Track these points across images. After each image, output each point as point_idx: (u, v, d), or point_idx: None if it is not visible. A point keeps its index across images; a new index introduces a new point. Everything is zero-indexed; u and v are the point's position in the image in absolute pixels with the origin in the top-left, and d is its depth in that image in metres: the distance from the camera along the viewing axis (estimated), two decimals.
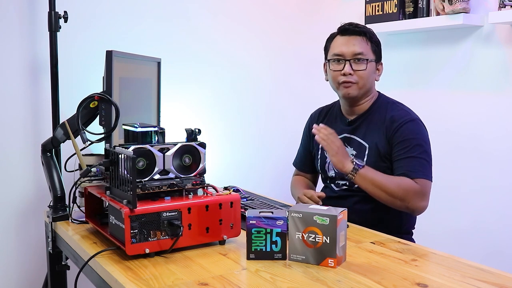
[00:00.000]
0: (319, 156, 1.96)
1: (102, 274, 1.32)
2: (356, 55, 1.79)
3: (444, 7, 2.22)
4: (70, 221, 1.70)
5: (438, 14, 2.29)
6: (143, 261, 1.32)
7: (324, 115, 2.00)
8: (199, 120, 2.55)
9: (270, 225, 1.32)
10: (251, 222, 1.32)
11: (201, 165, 1.46)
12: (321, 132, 1.74)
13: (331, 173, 1.90)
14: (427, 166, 1.74)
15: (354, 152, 1.82)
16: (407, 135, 1.74)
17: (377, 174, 1.70)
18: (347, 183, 1.84)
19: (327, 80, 1.90)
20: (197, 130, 1.47)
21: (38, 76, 2.18)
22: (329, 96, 2.03)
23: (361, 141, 1.82)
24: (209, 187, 1.47)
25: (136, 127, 1.44)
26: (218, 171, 2.54)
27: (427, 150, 1.76)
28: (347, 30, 1.83)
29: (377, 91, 1.90)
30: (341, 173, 1.85)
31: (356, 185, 1.82)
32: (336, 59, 1.82)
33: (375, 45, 1.84)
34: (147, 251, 1.33)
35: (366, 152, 1.80)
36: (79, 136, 1.61)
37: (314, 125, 1.78)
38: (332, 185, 1.90)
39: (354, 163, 1.69)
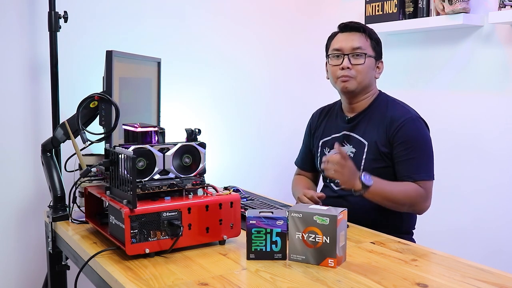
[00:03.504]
0: (318, 155, 1.96)
1: (102, 274, 1.32)
2: (355, 50, 1.81)
3: (444, 7, 2.22)
4: (70, 221, 1.70)
5: (438, 14, 2.28)
6: (143, 261, 1.32)
7: (325, 114, 2.01)
8: (199, 120, 2.55)
9: (270, 225, 1.32)
10: (251, 222, 1.32)
11: (201, 165, 1.46)
12: (329, 164, 1.66)
13: None
14: (428, 165, 1.76)
15: (354, 150, 1.83)
16: (408, 135, 1.75)
17: (385, 187, 1.69)
18: None
19: (328, 78, 1.91)
20: (197, 130, 1.47)
21: (38, 76, 2.17)
22: (328, 96, 2.03)
23: (360, 138, 1.83)
24: (209, 187, 1.47)
25: (136, 127, 1.44)
26: (218, 171, 2.54)
27: (428, 148, 1.78)
28: (347, 26, 1.86)
29: (378, 89, 1.90)
30: None
31: None
32: (336, 54, 1.84)
33: (375, 42, 1.86)
34: (147, 251, 1.33)
35: (365, 150, 1.80)
36: (79, 136, 1.61)
37: (323, 160, 1.70)
38: (332, 184, 1.90)
39: (362, 182, 1.64)
